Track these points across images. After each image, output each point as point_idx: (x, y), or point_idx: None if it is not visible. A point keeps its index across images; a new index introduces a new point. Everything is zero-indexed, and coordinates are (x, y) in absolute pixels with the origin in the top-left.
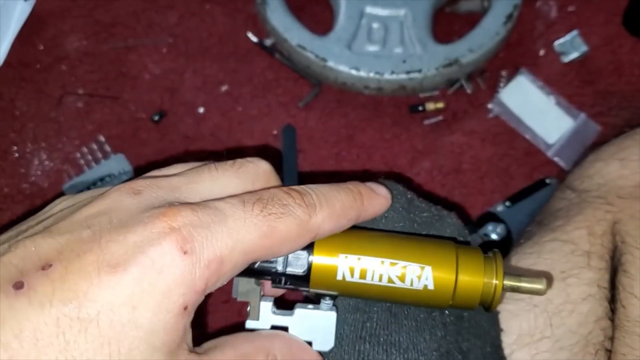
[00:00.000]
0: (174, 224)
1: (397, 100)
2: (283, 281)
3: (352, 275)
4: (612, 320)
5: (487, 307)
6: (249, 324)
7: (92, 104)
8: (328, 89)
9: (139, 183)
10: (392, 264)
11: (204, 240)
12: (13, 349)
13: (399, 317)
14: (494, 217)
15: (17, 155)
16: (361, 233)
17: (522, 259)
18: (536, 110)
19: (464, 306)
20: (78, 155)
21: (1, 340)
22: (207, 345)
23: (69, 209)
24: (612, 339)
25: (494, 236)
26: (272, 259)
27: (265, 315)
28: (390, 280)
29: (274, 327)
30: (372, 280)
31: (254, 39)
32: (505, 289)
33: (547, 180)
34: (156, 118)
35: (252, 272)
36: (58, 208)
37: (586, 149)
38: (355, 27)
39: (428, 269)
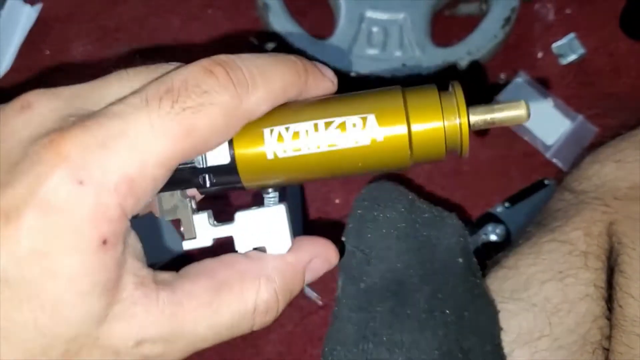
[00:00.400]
0: (63, 151)
1: None
2: (208, 181)
3: (284, 148)
4: (609, 319)
5: (459, 153)
6: (186, 244)
7: None
8: None
9: (31, 94)
10: (327, 123)
11: (103, 162)
12: None
13: (402, 317)
14: (493, 218)
15: None
16: (286, 105)
17: (521, 259)
18: (534, 112)
19: (429, 157)
20: None
21: None
22: (182, 271)
23: None
24: (609, 338)
25: (493, 237)
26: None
27: (203, 230)
28: (331, 144)
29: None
30: (308, 148)
31: (256, 42)
32: (475, 127)
33: (546, 181)
34: None
35: (170, 183)
36: None
37: (584, 150)
38: (356, 31)
39: (371, 118)
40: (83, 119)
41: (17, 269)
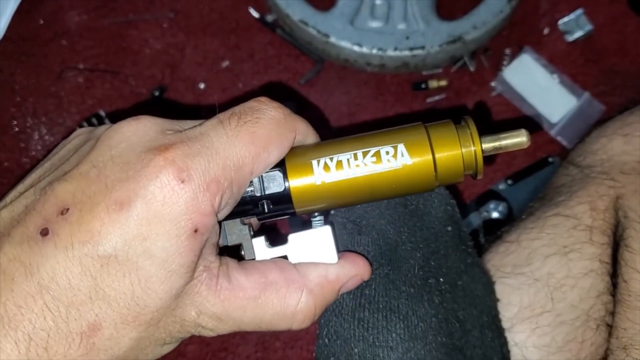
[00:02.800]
0: (169, 157)
1: (400, 78)
2: (266, 208)
3: (330, 175)
4: (613, 295)
5: (474, 176)
6: None
7: (93, 79)
8: (330, 66)
9: (140, 115)
10: (365, 153)
11: (198, 167)
12: (53, 290)
13: (397, 283)
14: (496, 196)
15: (17, 129)
16: (327, 141)
17: (524, 233)
18: (540, 89)
19: (451, 180)
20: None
21: (41, 284)
22: (242, 262)
23: (82, 149)
24: (613, 314)
25: (495, 214)
26: (250, 189)
27: (261, 251)
28: (368, 169)
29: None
30: (350, 174)
31: (256, 14)
32: (486, 152)
33: (550, 159)
34: (157, 93)
35: (234, 212)
36: (72, 145)
37: (590, 127)
38: (358, 2)
39: (401, 147)
40: (179, 134)
41: (124, 249)
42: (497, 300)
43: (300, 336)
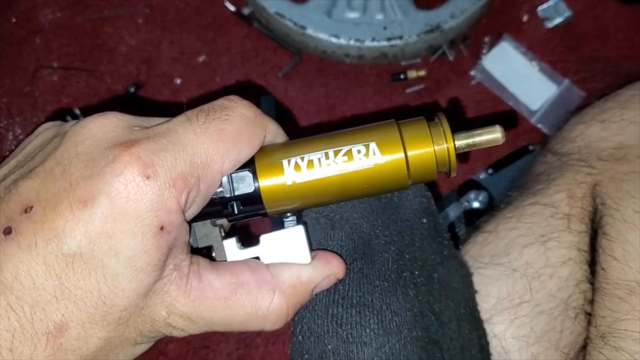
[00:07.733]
0: (134, 153)
1: (379, 69)
2: (236, 209)
3: (301, 175)
4: (592, 283)
5: (448, 173)
6: None
7: (68, 77)
8: (308, 58)
9: (106, 112)
10: (336, 152)
11: (164, 163)
12: (17, 290)
13: (371, 278)
14: (476, 185)
15: None
16: (297, 140)
17: (502, 223)
18: (519, 76)
19: (424, 178)
20: None
21: (5, 284)
22: (215, 263)
23: (49, 146)
24: (591, 302)
25: (476, 204)
26: (220, 190)
27: (232, 253)
28: (340, 169)
29: None
30: (321, 174)
31: (232, 8)
32: (460, 149)
33: (530, 147)
34: (132, 90)
35: (204, 213)
36: (38, 141)
37: (570, 114)
38: None
39: (373, 145)
40: (146, 130)
41: (89, 247)
42: (475, 291)
43: (282, 332)
